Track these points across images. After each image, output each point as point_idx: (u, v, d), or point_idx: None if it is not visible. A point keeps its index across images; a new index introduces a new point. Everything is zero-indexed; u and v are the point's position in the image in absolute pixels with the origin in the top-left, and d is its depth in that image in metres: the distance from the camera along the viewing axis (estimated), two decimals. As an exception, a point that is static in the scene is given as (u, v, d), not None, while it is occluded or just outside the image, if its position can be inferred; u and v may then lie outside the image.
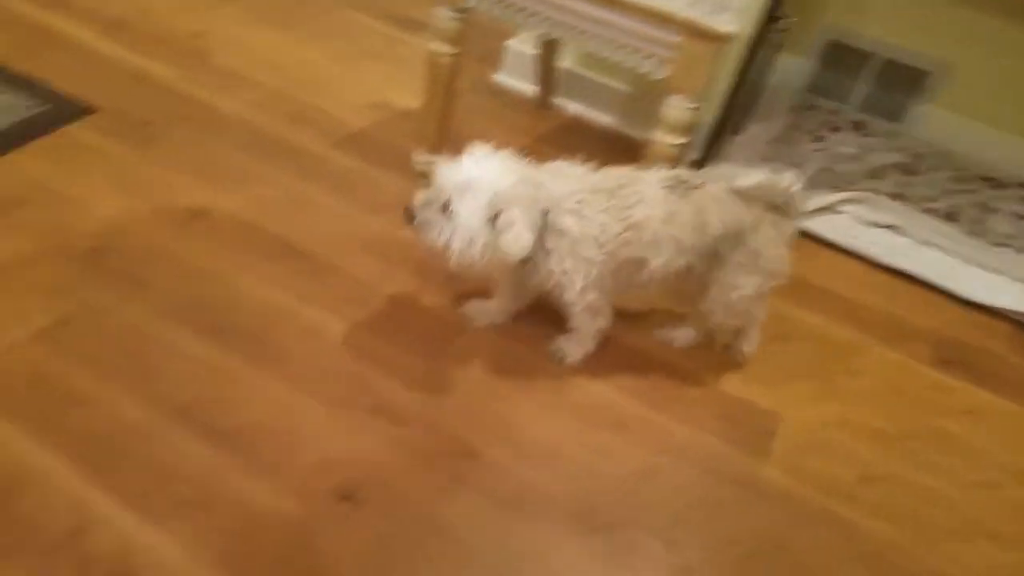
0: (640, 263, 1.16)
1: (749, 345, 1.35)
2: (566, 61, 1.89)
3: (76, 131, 1.57)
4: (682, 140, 1.29)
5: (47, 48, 1.79)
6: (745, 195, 1.16)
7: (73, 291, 1.25)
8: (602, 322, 1.25)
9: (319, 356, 1.23)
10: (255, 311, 1.28)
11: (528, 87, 1.96)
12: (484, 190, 1.07)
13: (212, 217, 1.44)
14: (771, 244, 1.18)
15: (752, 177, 1.15)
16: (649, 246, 1.14)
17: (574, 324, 1.25)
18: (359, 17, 2.21)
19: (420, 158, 1.58)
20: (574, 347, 1.29)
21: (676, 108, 1.26)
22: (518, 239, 1.07)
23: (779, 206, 1.18)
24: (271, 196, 1.52)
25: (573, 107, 1.94)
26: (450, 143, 1.67)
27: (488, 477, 1.11)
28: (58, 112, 1.58)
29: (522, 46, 1.95)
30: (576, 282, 1.16)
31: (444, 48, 1.42)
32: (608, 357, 1.31)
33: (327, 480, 1.06)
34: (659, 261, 1.15)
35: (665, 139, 1.29)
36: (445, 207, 1.09)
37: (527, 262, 1.14)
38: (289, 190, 1.55)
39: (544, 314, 1.30)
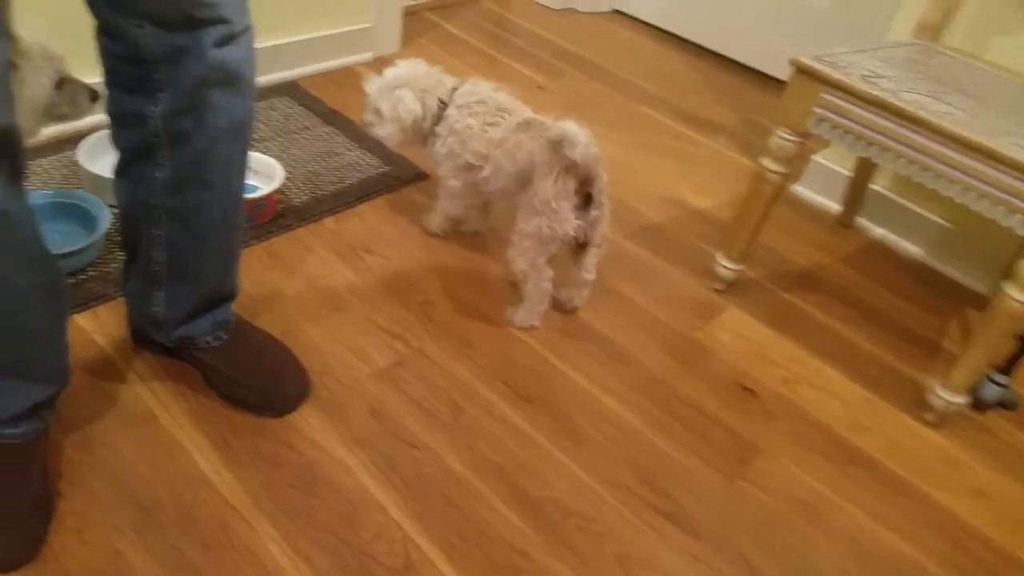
0: (476, 169, 1.49)
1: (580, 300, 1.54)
2: (879, 183, 1.88)
3: (412, 192, 1.81)
4: None
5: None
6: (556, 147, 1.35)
7: (407, 337, 1.42)
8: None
9: (616, 445, 1.29)
10: (558, 387, 1.38)
11: (829, 203, 1.96)
12: (390, 84, 1.54)
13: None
14: (550, 190, 1.35)
15: (552, 128, 1.38)
16: (481, 157, 1.48)
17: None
18: (651, 113, 2.34)
19: (724, 263, 1.63)
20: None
21: None
22: (404, 107, 1.51)
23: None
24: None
25: (878, 231, 1.91)
26: (752, 253, 1.74)
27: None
28: (399, 173, 1.84)
29: (830, 163, 1.96)
30: (444, 164, 1.55)
31: (775, 167, 1.47)
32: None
33: None
34: (485, 172, 1.48)
35: (1019, 297, 1.23)
36: (377, 111, 1.56)
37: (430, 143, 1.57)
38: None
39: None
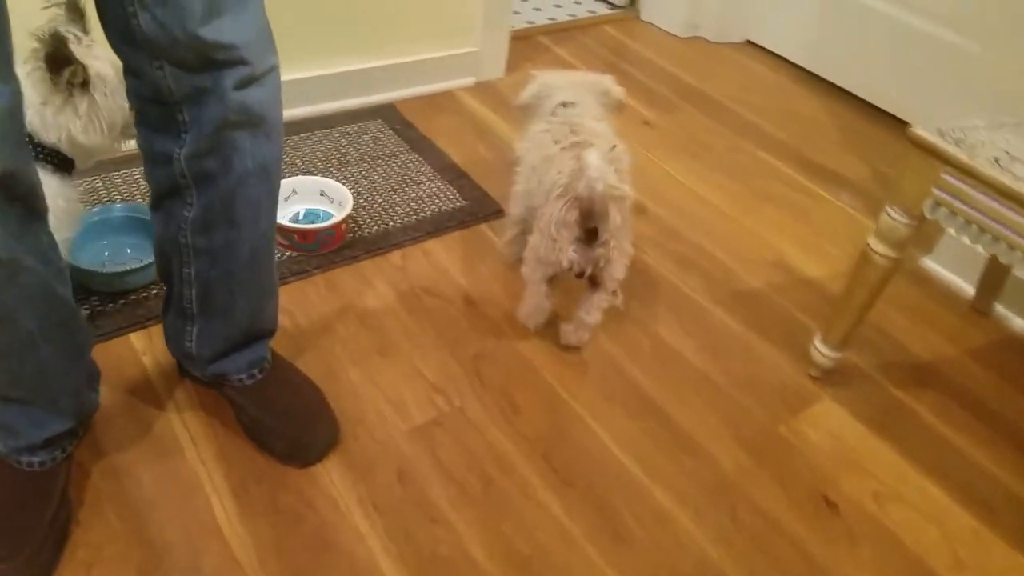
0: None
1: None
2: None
3: (485, 230, 1.74)
4: None
5: (472, 136, 2.04)
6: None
7: (451, 392, 1.35)
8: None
9: (662, 550, 1.15)
10: (607, 472, 1.25)
11: (963, 283, 1.71)
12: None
13: (581, 349, 1.47)
14: (555, 215, 1.29)
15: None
16: (533, 169, 1.44)
17: None
18: (767, 158, 2.15)
19: (821, 348, 1.44)
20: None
21: None
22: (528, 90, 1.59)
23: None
24: (643, 340, 1.51)
25: (1019, 323, 1.64)
26: (860, 336, 1.54)
27: None
28: (475, 208, 1.77)
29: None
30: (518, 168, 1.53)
31: (883, 250, 1.28)
32: None
33: None
34: (531, 184, 1.44)
35: None
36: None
37: None
38: (663, 339, 1.52)
39: None
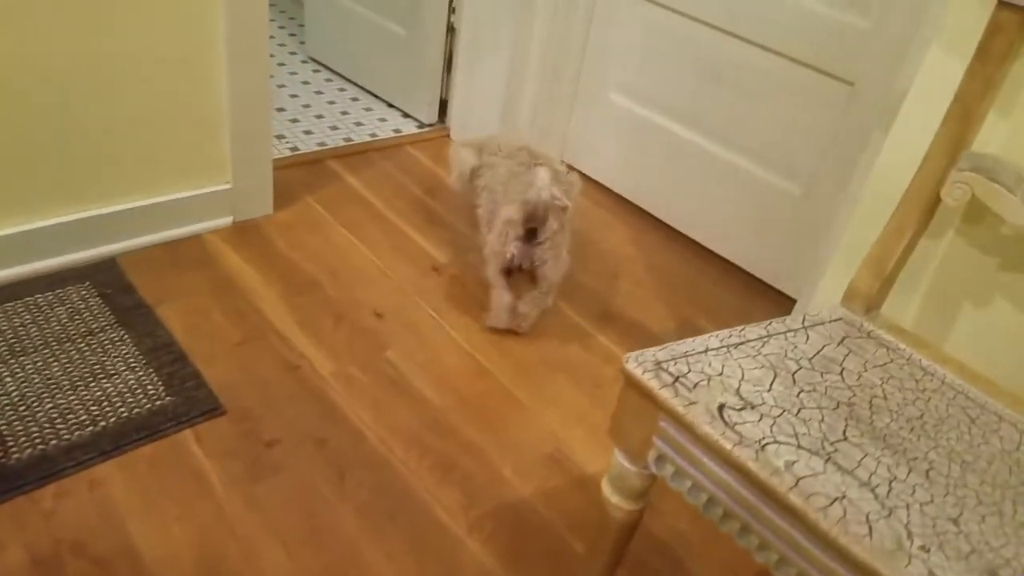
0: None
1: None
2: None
3: (188, 440, 1.38)
4: None
5: (208, 296, 1.70)
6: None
7: None
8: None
9: None
10: None
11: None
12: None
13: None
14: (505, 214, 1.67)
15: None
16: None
17: None
18: (568, 312, 1.90)
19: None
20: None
21: None
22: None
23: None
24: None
25: None
26: (631, 562, 1.27)
27: None
28: (181, 409, 1.41)
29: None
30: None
31: (618, 501, 1.01)
32: None
33: None
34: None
35: None
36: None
37: None
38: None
39: None
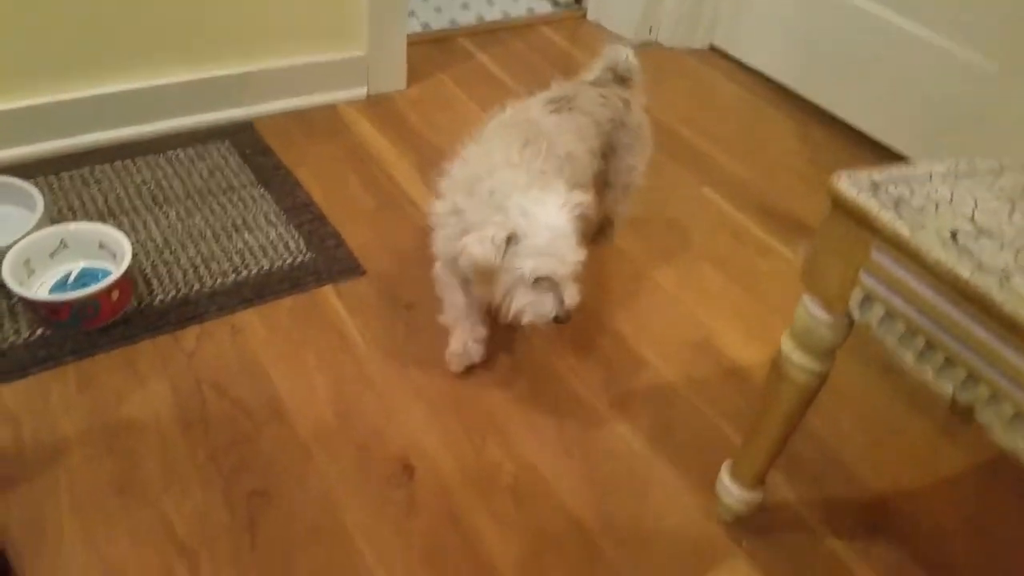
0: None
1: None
2: None
3: (329, 295, 1.36)
4: None
5: (344, 163, 1.66)
6: (600, 83, 1.35)
7: (203, 557, 0.97)
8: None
9: None
10: None
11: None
12: None
13: (423, 487, 1.09)
14: (637, 114, 1.37)
15: (595, 67, 1.38)
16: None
17: None
18: (716, 200, 1.75)
19: (730, 486, 1.06)
20: None
21: None
22: None
23: (624, 78, 1.37)
24: (504, 463, 1.13)
25: (1007, 436, 1.25)
26: (791, 459, 1.16)
27: None
28: (322, 264, 1.40)
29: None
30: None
31: (802, 361, 0.90)
32: None
33: None
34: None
35: None
36: None
37: None
38: (532, 464, 1.14)
39: None
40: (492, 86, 2.04)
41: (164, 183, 1.52)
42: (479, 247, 1.01)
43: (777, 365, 0.94)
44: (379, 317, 1.34)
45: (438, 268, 1.22)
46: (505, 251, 1.02)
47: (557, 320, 1.06)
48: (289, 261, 1.40)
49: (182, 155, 1.60)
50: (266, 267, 1.38)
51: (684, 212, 1.70)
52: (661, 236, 1.63)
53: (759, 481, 1.05)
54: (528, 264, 1.02)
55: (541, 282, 1.04)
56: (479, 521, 1.06)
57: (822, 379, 0.92)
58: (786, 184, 1.83)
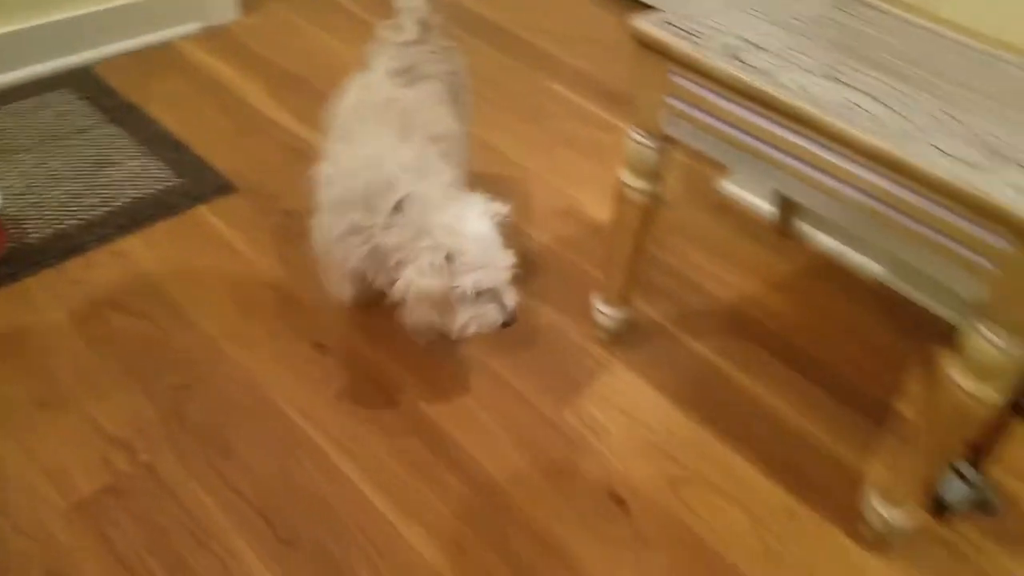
0: None
1: None
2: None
3: (205, 214, 1.41)
4: (989, 392, 0.84)
5: (198, 96, 1.69)
6: (423, 40, 1.24)
7: (139, 446, 1.05)
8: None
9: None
10: (346, 518, 1.00)
11: (764, 204, 1.56)
12: None
13: (335, 359, 1.20)
14: (459, 56, 1.33)
15: (408, 25, 1.23)
16: None
17: None
18: (563, 92, 1.91)
19: (601, 308, 1.24)
20: None
21: (988, 344, 0.82)
22: None
23: (429, 25, 1.25)
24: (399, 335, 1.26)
25: (825, 241, 1.51)
26: (639, 275, 1.35)
27: None
28: (191, 187, 1.44)
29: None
30: None
31: (635, 182, 1.08)
32: None
33: None
34: None
35: (964, 384, 0.84)
36: None
37: None
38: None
39: None
40: (332, 8, 2.09)
41: (11, 133, 1.50)
42: (427, 280, 0.98)
43: (619, 193, 1.11)
44: (260, 227, 1.41)
45: (321, 259, 1.17)
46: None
47: (505, 325, 1.05)
48: (158, 188, 1.43)
49: (24, 106, 1.57)
50: (136, 195, 1.40)
51: (537, 106, 1.85)
52: (523, 129, 1.77)
53: (624, 300, 1.24)
54: (468, 280, 0.99)
55: (482, 294, 1.02)
56: (391, 370, 1.18)
57: (656, 199, 1.10)
58: (618, 72, 2.02)
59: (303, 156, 1.57)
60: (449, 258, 0.98)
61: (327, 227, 1.07)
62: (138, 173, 1.45)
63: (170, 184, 1.44)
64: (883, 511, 0.99)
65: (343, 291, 1.18)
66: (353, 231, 1.04)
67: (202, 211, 1.42)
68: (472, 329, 1.03)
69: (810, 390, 1.24)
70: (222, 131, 1.61)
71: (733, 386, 1.24)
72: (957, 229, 0.79)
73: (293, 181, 1.51)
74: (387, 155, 1.05)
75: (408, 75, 1.20)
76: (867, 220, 0.86)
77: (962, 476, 1.06)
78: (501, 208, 1.05)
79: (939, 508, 1.07)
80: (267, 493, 1.02)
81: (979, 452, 1.07)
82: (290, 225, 1.42)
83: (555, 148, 1.73)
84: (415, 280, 0.98)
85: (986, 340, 0.81)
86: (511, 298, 1.04)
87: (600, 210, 1.56)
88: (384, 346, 1.23)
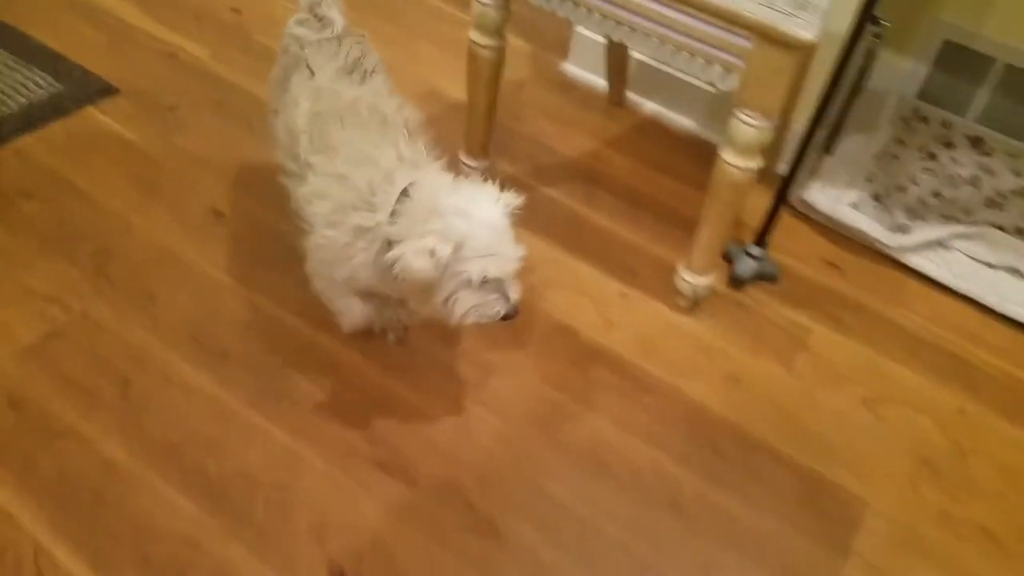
0: None
1: None
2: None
3: (94, 114, 1.53)
4: (752, 164, 1.13)
5: (68, 15, 1.76)
6: (345, 32, 1.23)
7: (70, 300, 1.20)
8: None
9: (336, 402, 1.15)
10: (270, 332, 1.20)
11: (600, 80, 1.82)
12: None
13: (233, 221, 1.37)
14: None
15: (333, 20, 1.22)
16: None
17: None
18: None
19: (465, 160, 1.47)
20: None
21: (745, 126, 1.10)
22: None
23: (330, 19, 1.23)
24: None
25: (649, 106, 1.79)
26: (500, 144, 1.58)
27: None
28: (76, 91, 1.55)
29: (593, 32, 1.81)
30: None
31: (482, 39, 1.30)
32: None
33: (319, 551, 0.98)
34: None
35: (733, 161, 1.13)
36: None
37: None
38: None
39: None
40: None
41: None
42: (418, 260, 0.91)
43: (470, 52, 1.32)
44: (147, 122, 1.54)
45: (322, 289, 1.13)
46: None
47: (506, 318, 0.99)
48: (44, 94, 1.53)
49: None
50: (24, 101, 1.50)
51: (396, 8, 2.02)
52: (383, 28, 1.94)
53: (484, 152, 1.47)
54: (474, 267, 0.94)
55: (487, 283, 0.97)
56: (279, 224, 1.37)
57: (500, 53, 1.32)
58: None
59: (176, 59, 1.69)
60: (457, 247, 0.93)
61: (326, 243, 1.03)
62: (22, 82, 1.54)
63: (55, 89, 1.54)
64: (690, 279, 1.29)
65: (352, 312, 1.14)
66: (358, 235, 1.00)
67: (91, 111, 1.53)
68: (472, 319, 0.98)
69: (638, 214, 1.53)
70: (97, 43, 1.70)
71: (579, 218, 1.51)
72: (717, 37, 1.06)
73: (169, 83, 1.63)
74: (379, 151, 1.03)
75: (357, 71, 1.18)
76: (659, 45, 1.13)
77: (750, 255, 1.38)
78: (514, 199, 1.00)
79: (734, 282, 1.39)
80: (194, 323, 1.20)
81: (761, 237, 1.38)
82: (176, 118, 1.55)
83: (414, 42, 1.91)
84: (406, 256, 0.92)
85: (743, 122, 1.10)
86: (515, 290, 1.00)
87: (458, 91, 1.77)
88: (274, 218, 1.41)
